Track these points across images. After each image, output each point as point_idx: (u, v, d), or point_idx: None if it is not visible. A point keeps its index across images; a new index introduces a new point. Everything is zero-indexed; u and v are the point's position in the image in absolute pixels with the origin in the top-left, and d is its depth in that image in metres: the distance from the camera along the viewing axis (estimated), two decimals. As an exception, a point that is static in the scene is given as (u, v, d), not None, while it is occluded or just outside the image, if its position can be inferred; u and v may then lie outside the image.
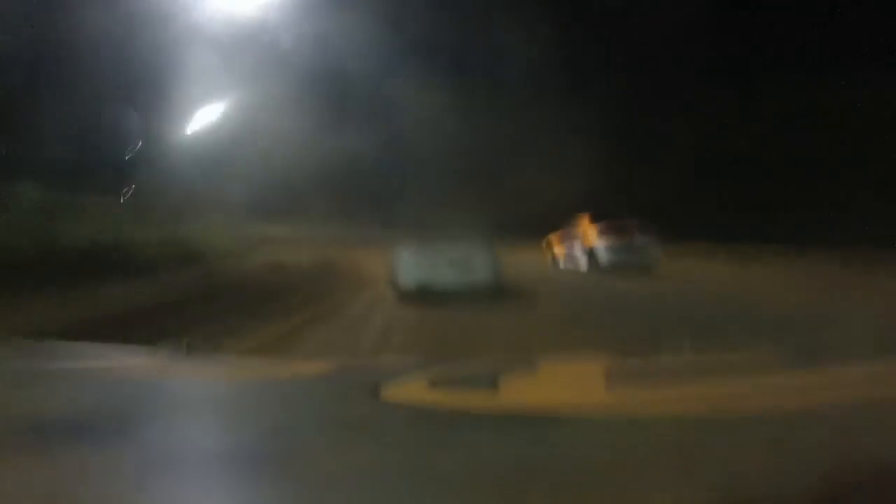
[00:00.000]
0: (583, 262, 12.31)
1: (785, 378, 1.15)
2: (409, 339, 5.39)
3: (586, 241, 12.25)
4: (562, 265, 13.26)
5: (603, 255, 11.53)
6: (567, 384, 1.20)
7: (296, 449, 0.70)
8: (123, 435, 0.80)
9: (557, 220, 13.39)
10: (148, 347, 1.75)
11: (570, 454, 0.69)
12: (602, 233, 11.78)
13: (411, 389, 1.05)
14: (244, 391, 1.20)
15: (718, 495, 0.56)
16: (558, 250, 13.45)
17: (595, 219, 12.04)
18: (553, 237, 13.76)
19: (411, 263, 7.48)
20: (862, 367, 1.15)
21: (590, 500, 0.57)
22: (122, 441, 0.77)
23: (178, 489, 0.60)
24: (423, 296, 7.08)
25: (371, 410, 0.92)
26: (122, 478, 0.63)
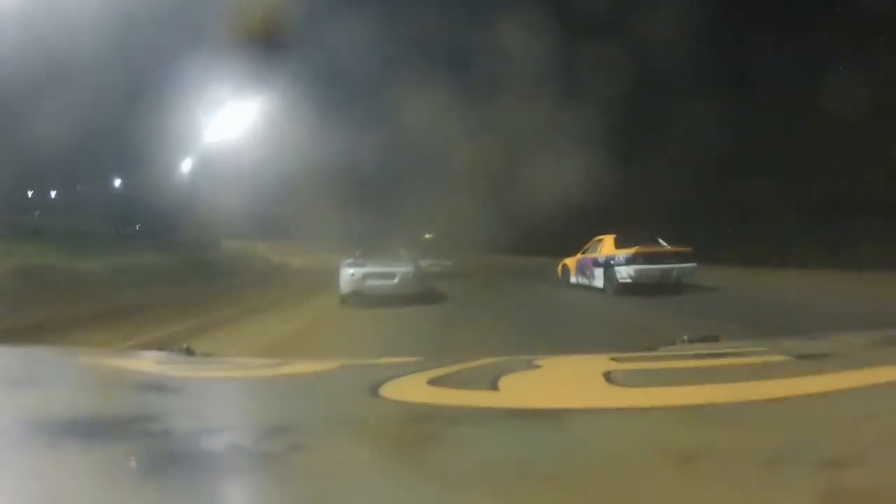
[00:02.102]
0: (597, 279, 11.22)
1: (787, 373, 1.15)
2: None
3: (603, 253, 11.15)
4: (573, 279, 12.31)
5: (625, 271, 10.40)
6: (568, 382, 1.20)
7: (296, 448, 0.70)
8: (124, 435, 0.80)
9: (568, 235, 12.89)
10: (149, 350, 1.75)
11: (572, 452, 0.69)
12: (626, 248, 10.62)
13: (411, 388, 1.05)
14: (244, 390, 1.20)
15: (722, 491, 0.56)
16: (571, 265, 12.51)
17: (621, 239, 10.97)
18: (569, 261, 12.75)
19: (347, 275, 9.95)
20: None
21: (591, 499, 0.57)
22: (122, 441, 0.77)
23: (179, 489, 0.60)
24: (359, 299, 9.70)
25: (371, 409, 0.92)
26: (123, 477, 0.63)
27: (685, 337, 1.64)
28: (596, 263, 11.46)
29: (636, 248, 10.55)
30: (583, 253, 12.24)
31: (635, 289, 10.25)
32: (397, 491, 0.58)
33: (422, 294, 10.12)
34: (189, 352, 1.54)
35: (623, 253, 10.67)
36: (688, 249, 10.73)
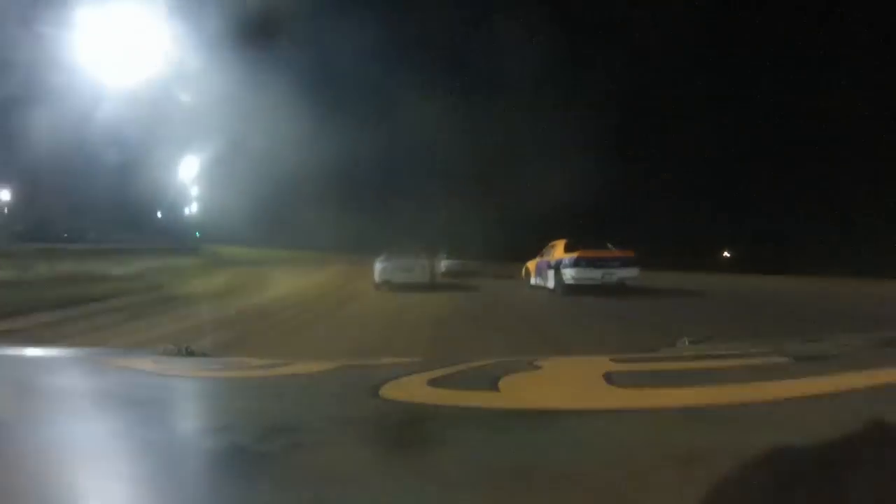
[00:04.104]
0: (550, 280, 12.44)
1: (787, 375, 1.15)
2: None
3: (555, 257, 12.44)
4: (533, 281, 13.71)
5: (569, 273, 11.58)
6: (569, 382, 1.20)
7: (296, 448, 0.70)
8: (124, 434, 0.80)
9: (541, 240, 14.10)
10: (149, 349, 1.75)
11: (572, 453, 0.69)
12: (571, 251, 11.82)
13: (411, 388, 1.05)
14: (244, 390, 1.20)
15: (722, 492, 0.56)
16: (531, 268, 13.98)
17: (570, 243, 12.18)
18: (530, 264, 14.22)
19: (380, 268, 13.83)
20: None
21: (591, 500, 0.57)
22: (122, 440, 0.77)
23: (178, 488, 0.60)
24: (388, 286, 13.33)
25: (371, 409, 0.92)
26: (122, 476, 0.63)
27: (686, 338, 1.64)
28: (549, 266, 12.72)
29: (579, 252, 11.70)
30: (541, 256, 13.59)
31: (580, 289, 11.40)
32: (397, 491, 0.58)
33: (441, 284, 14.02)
34: (189, 352, 1.54)
35: (569, 256, 11.85)
36: (631, 254, 11.82)
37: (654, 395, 1.00)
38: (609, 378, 1.07)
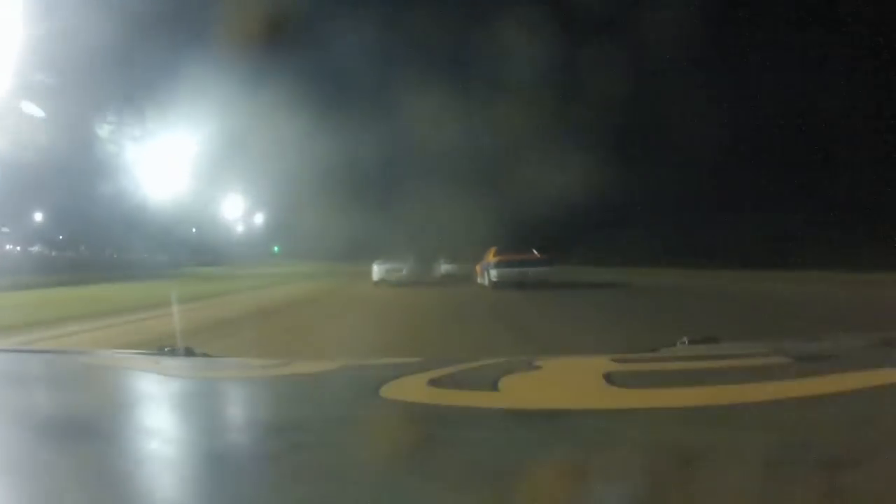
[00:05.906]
0: (486, 279, 15.94)
1: (786, 375, 1.15)
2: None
3: (488, 260, 15.87)
4: (479, 280, 17.29)
5: (493, 273, 15.01)
6: (569, 382, 1.20)
7: (296, 447, 0.70)
8: (126, 434, 0.80)
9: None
10: (149, 350, 1.75)
11: (572, 453, 0.69)
12: (496, 256, 15.29)
13: (412, 388, 1.05)
14: (244, 390, 1.20)
15: (721, 492, 0.56)
16: (478, 269, 17.66)
17: (497, 249, 15.62)
18: (478, 266, 17.79)
19: (377, 269, 17.59)
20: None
21: (592, 499, 0.57)
22: (124, 440, 0.77)
23: (180, 488, 0.61)
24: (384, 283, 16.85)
25: (372, 409, 0.92)
26: (123, 476, 0.63)
27: (685, 339, 1.64)
28: (484, 268, 16.25)
29: (499, 256, 15.17)
30: (483, 260, 16.92)
31: (504, 285, 14.47)
32: (397, 491, 0.58)
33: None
34: (189, 352, 1.54)
35: (494, 260, 15.29)
36: (545, 257, 15.35)
37: (654, 395, 1.00)
38: (609, 378, 1.07)
